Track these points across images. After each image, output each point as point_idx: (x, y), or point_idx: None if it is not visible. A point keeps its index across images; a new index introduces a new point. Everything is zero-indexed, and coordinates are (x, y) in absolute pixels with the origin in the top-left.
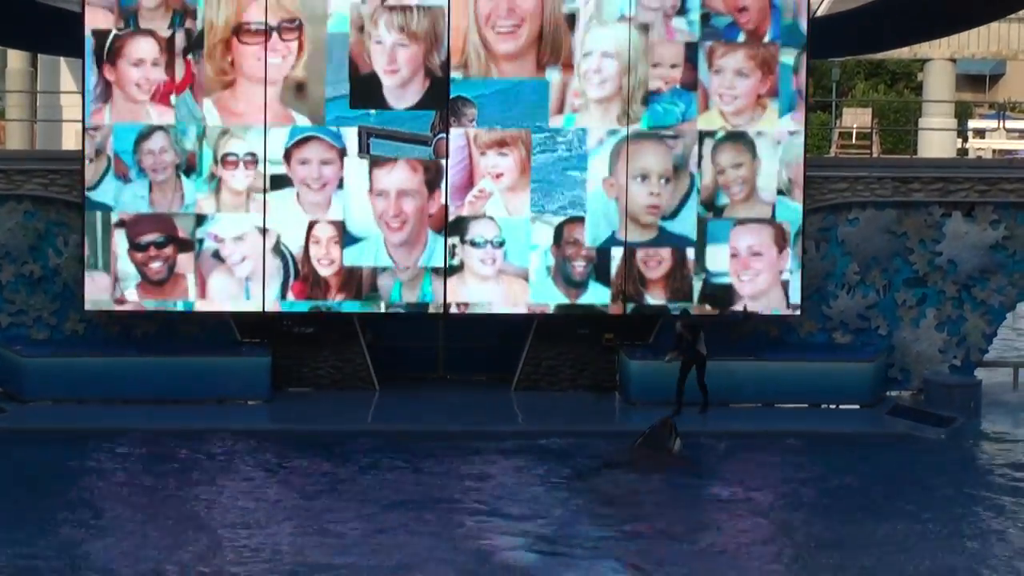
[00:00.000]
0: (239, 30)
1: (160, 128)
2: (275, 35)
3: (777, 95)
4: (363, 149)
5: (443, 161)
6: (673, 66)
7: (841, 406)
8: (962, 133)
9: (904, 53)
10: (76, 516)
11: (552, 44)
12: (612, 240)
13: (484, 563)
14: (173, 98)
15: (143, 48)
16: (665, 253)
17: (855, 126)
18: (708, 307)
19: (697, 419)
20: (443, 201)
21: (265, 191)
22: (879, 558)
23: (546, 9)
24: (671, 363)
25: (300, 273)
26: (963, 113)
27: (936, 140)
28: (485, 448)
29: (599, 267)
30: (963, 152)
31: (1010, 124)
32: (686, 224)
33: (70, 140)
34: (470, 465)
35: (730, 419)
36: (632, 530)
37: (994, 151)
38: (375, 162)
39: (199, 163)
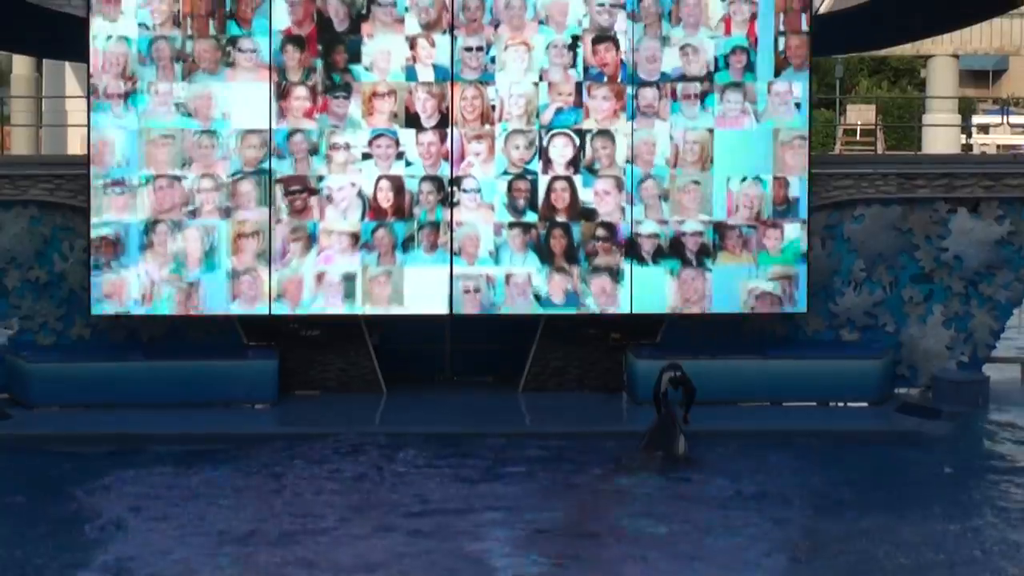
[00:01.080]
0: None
1: (299, 130)
2: None
3: None
4: None
5: None
6: None
7: (849, 404)
8: (966, 129)
9: (907, 49)
10: (84, 521)
11: None
12: None
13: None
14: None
15: (300, 92)
16: None
17: (859, 123)
18: None
19: (702, 419)
20: None
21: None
22: (888, 554)
23: None
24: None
25: (370, 206)
26: (967, 109)
27: (940, 136)
28: (493, 450)
29: None
30: (967, 148)
31: (1014, 119)
32: None
33: (75, 145)
34: (475, 468)
35: (738, 418)
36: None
37: (998, 146)
38: None
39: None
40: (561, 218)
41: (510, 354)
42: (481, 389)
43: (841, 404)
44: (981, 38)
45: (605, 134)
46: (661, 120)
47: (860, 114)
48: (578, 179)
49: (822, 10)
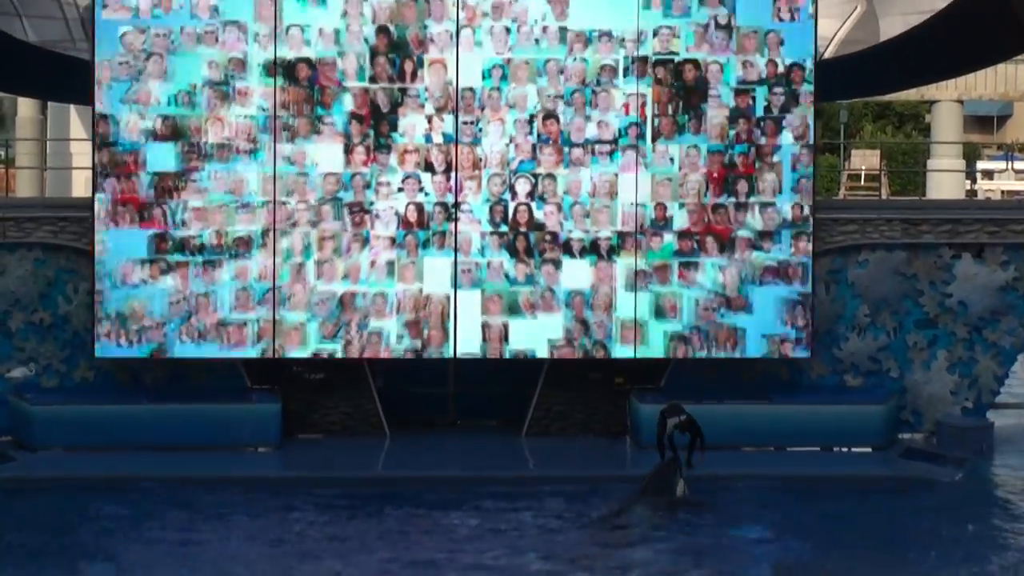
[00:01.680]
0: None
1: (359, 173)
2: None
3: None
4: None
5: None
6: None
7: (853, 449)
8: (970, 174)
9: (912, 95)
10: (88, 565)
11: None
12: None
13: None
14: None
15: (359, 149)
16: None
17: (864, 168)
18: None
19: (706, 464)
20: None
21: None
22: None
23: None
24: (700, 459)
25: (403, 221)
26: (971, 154)
27: (945, 181)
28: (496, 494)
29: None
30: (972, 193)
31: (1018, 165)
32: None
33: (79, 187)
34: (479, 512)
35: (741, 462)
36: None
37: (1003, 192)
38: None
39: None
40: (523, 229)
41: (514, 398)
42: (485, 433)
43: (845, 449)
44: (986, 84)
45: (550, 176)
46: (585, 168)
47: (865, 159)
48: (534, 205)
49: (827, 55)
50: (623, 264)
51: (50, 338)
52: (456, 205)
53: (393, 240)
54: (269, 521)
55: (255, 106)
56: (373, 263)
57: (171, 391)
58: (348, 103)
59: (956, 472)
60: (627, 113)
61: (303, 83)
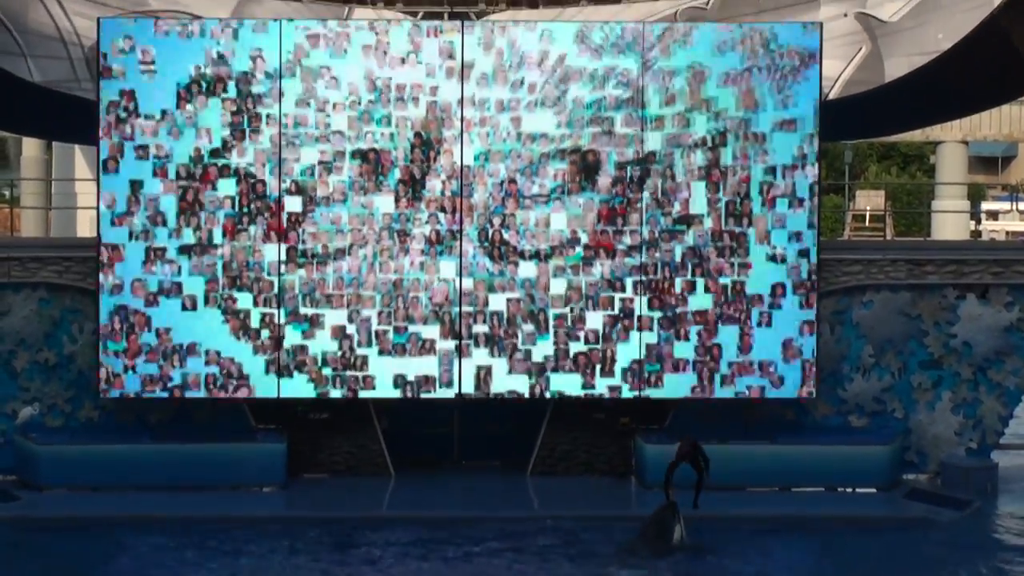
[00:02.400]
0: None
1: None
2: None
3: None
4: None
5: None
6: None
7: (858, 490)
8: (975, 215)
9: (916, 136)
10: None
11: None
12: None
13: None
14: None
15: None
16: None
17: (868, 208)
18: None
19: (711, 504)
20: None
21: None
22: None
23: None
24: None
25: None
26: (976, 195)
27: (949, 222)
28: (501, 534)
29: None
30: (976, 234)
31: (1023, 206)
32: None
33: (84, 227)
34: (485, 552)
35: (745, 503)
36: None
37: (1007, 233)
38: None
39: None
40: (497, 244)
41: (518, 438)
42: (489, 473)
43: (850, 490)
44: (990, 125)
45: (512, 215)
46: (532, 211)
47: (869, 200)
48: (503, 231)
49: (831, 96)
50: (552, 263)
51: (55, 378)
52: (460, 231)
53: (423, 251)
54: (274, 561)
55: (346, 175)
56: (411, 263)
57: (176, 431)
58: (397, 174)
59: (960, 513)
60: (555, 179)
61: (372, 162)
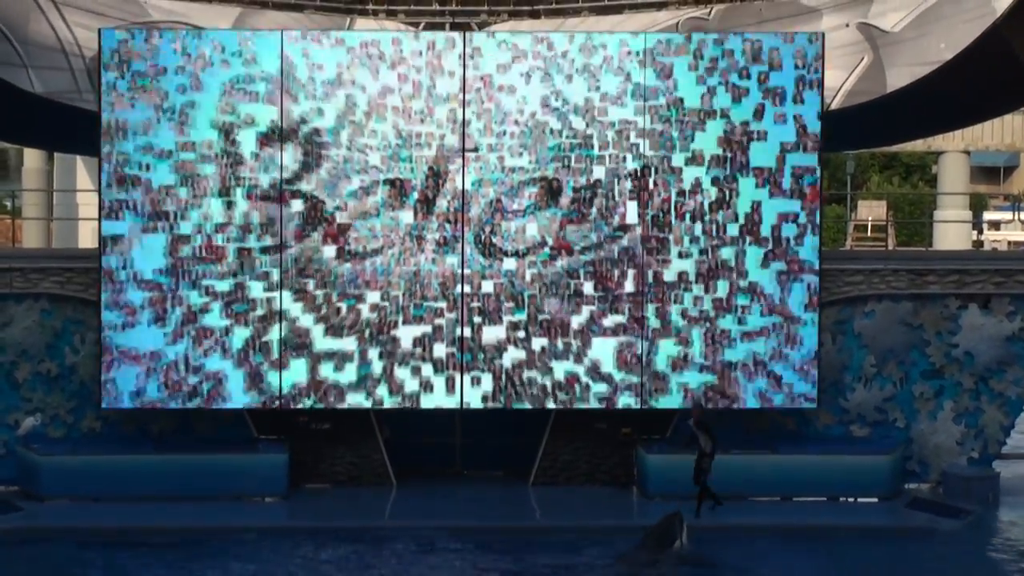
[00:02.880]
0: None
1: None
2: None
3: None
4: None
5: None
6: None
7: (859, 499)
8: (977, 225)
9: (919, 145)
10: None
11: None
12: None
13: None
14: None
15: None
16: None
17: (870, 218)
18: None
19: (711, 514)
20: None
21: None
22: None
23: None
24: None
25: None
26: (978, 205)
27: (951, 232)
28: (503, 544)
29: None
30: (978, 244)
31: None
32: None
33: (86, 238)
34: (486, 562)
35: (747, 513)
36: None
37: (1009, 243)
38: None
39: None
40: (487, 245)
41: (520, 448)
42: (491, 483)
43: (851, 500)
44: (992, 135)
45: (499, 225)
46: (513, 221)
47: (871, 210)
48: (491, 235)
49: (834, 106)
50: (527, 259)
51: (57, 389)
52: (461, 237)
53: (433, 250)
54: (276, 571)
55: (379, 197)
56: (426, 259)
57: (178, 441)
58: (415, 196)
59: (961, 523)
60: (529, 199)
61: (397, 188)
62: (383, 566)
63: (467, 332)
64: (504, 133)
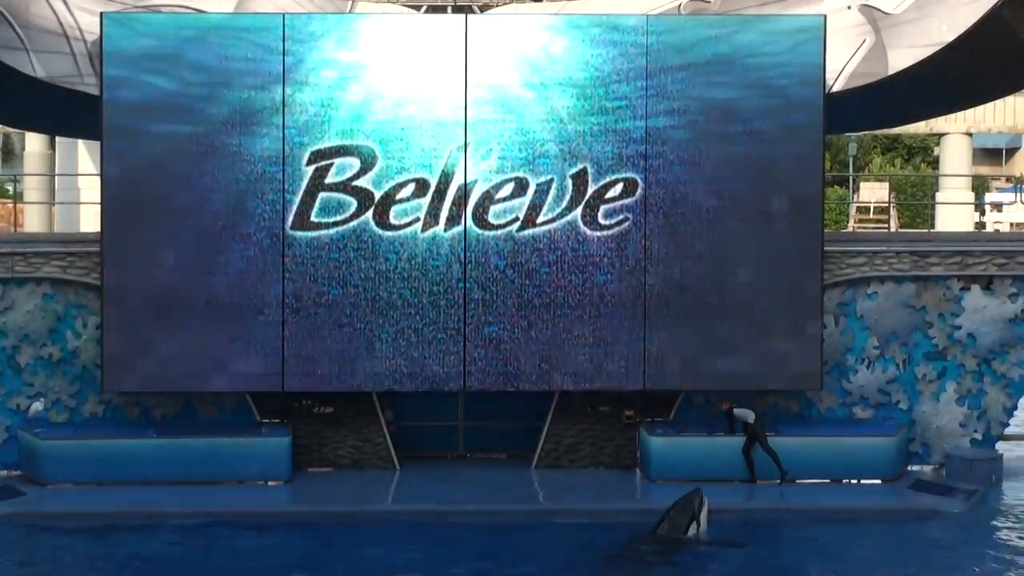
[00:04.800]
0: None
1: None
2: None
3: None
4: None
5: None
6: None
7: (862, 481)
8: (979, 207)
9: (921, 127)
10: None
11: None
12: None
13: None
14: None
15: None
16: None
17: (872, 200)
18: None
19: (719, 494)
20: None
21: None
22: None
23: None
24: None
25: None
26: (980, 187)
27: (953, 214)
28: (507, 527)
29: None
30: (980, 226)
31: None
32: None
33: (88, 222)
34: (490, 545)
35: (751, 495)
36: None
37: (1012, 224)
38: None
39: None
40: (482, 221)
41: (523, 431)
42: (495, 466)
43: (854, 481)
44: (994, 116)
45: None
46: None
47: (873, 192)
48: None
49: (835, 88)
50: (505, 230)
51: (59, 373)
52: (464, 215)
53: (445, 223)
54: (278, 553)
55: (410, 189)
56: (441, 229)
57: (180, 425)
58: (432, 187)
59: (964, 504)
60: (508, 192)
61: (420, 183)
62: (384, 549)
63: (470, 319)
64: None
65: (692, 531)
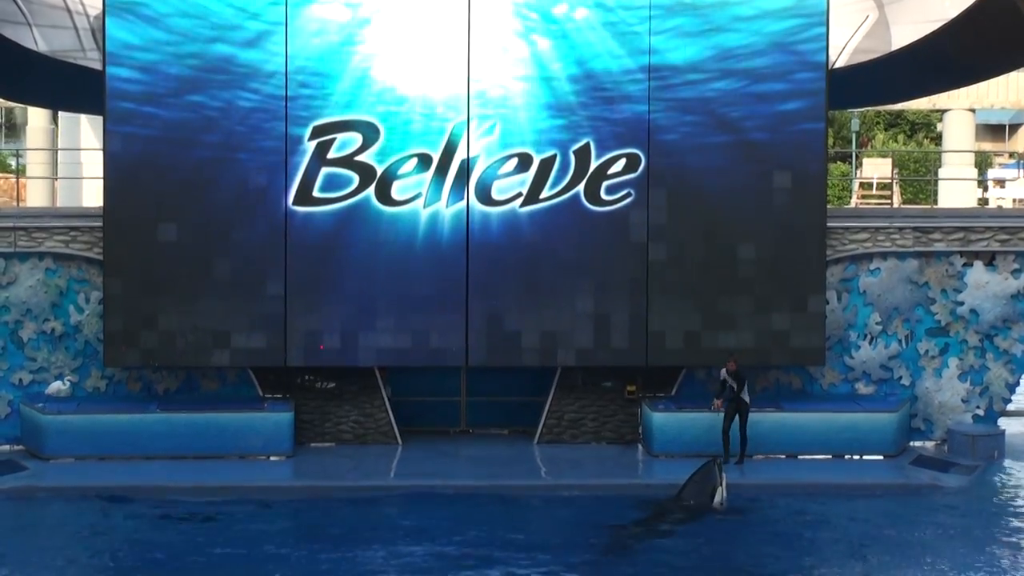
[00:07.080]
0: None
1: None
2: None
3: None
4: None
5: None
6: None
7: (864, 457)
8: (982, 183)
9: (923, 103)
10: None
11: None
12: None
13: None
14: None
15: None
16: None
17: (875, 176)
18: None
19: (730, 470)
20: None
21: None
22: None
23: None
24: (718, 410)
25: None
26: (983, 163)
27: (956, 190)
28: (509, 502)
29: None
30: (983, 202)
31: None
32: None
33: (91, 197)
34: (492, 521)
35: (753, 471)
36: None
37: (1014, 200)
38: None
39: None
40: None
41: (526, 406)
42: (497, 441)
43: (857, 457)
44: (997, 92)
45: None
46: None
47: (876, 168)
48: (492, 191)
49: (838, 64)
50: (509, 205)
51: (61, 347)
52: (467, 189)
53: (448, 197)
54: (284, 529)
55: (415, 165)
56: (445, 204)
57: (183, 400)
58: (435, 161)
59: (966, 480)
60: (511, 168)
61: (425, 158)
62: (386, 528)
63: (472, 294)
64: (491, 129)
65: (717, 499)
